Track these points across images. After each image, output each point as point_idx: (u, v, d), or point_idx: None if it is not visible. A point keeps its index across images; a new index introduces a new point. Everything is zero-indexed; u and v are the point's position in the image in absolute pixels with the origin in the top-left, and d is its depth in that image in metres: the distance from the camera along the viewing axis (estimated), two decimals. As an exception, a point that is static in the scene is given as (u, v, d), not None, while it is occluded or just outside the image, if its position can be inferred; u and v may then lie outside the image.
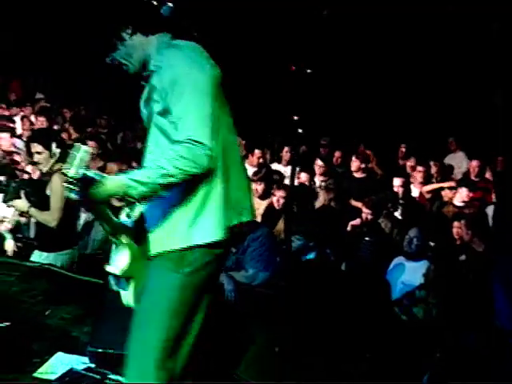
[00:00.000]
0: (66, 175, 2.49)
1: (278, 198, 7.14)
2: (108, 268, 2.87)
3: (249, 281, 5.82)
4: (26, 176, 7.25)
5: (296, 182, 8.00)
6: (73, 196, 2.53)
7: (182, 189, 2.65)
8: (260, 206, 7.40)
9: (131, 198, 2.58)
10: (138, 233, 2.85)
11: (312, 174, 8.60)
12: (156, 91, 2.70)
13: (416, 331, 5.37)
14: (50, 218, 5.50)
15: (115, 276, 2.88)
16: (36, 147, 5.46)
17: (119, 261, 2.84)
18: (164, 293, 2.75)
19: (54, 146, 5.50)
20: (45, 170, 5.52)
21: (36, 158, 5.49)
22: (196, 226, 2.72)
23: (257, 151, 9.12)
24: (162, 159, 2.55)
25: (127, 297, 2.91)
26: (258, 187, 7.55)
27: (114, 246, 2.93)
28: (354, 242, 6.63)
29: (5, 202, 6.76)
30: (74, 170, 2.47)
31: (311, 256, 6.09)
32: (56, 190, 5.40)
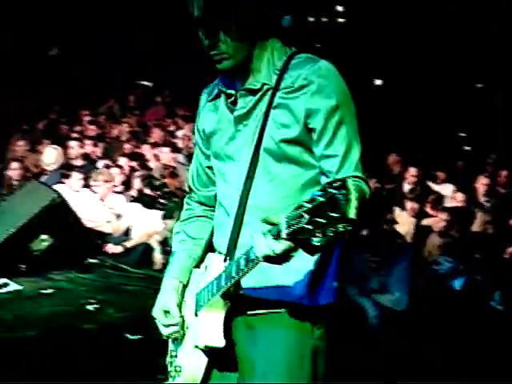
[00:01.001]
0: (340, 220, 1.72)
1: (438, 220, 6.72)
2: (207, 342, 2.26)
3: (393, 305, 5.50)
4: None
5: (452, 203, 7.57)
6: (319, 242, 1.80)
7: None
8: (411, 224, 7.03)
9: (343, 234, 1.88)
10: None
11: (470, 194, 8.04)
12: (290, 112, 2.19)
13: None
14: None
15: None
16: None
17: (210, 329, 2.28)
18: (296, 358, 2.28)
19: None
20: None
21: None
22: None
23: (412, 169, 8.71)
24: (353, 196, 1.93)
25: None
26: (414, 205, 7.19)
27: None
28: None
29: (164, 219, 7.00)
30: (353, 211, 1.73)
31: (459, 282, 5.63)
32: None
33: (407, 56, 11.42)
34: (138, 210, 7.40)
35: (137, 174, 8.01)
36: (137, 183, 7.80)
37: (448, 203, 7.71)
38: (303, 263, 2.20)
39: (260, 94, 2.23)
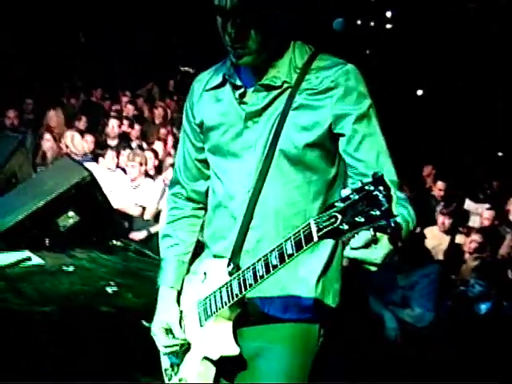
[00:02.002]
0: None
1: (471, 240, 6.54)
2: (222, 352, 2.17)
3: (414, 321, 5.38)
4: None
5: (484, 222, 7.40)
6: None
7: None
8: (443, 241, 6.90)
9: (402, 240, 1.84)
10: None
11: (502, 215, 7.85)
12: (314, 115, 2.08)
13: None
14: None
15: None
16: None
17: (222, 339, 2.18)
18: (297, 372, 2.23)
19: None
20: None
21: None
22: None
23: (440, 183, 8.53)
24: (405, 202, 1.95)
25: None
26: (446, 221, 7.01)
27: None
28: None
29: None
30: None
31: (486, 306, 5.50)
32: None
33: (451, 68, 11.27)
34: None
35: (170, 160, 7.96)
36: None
37: (478, 223, 7.60)
38: (309, 270, 2.16)
39: (278, 91, 2.10)
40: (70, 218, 5.61)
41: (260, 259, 1.93)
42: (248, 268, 1.98)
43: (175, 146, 8.67)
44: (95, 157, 7.73)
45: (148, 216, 7.24)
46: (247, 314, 2.16)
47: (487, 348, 4.89)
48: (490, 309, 5.42)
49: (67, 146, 7.80)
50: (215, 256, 2.27)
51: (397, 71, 11.69)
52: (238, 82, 2.14)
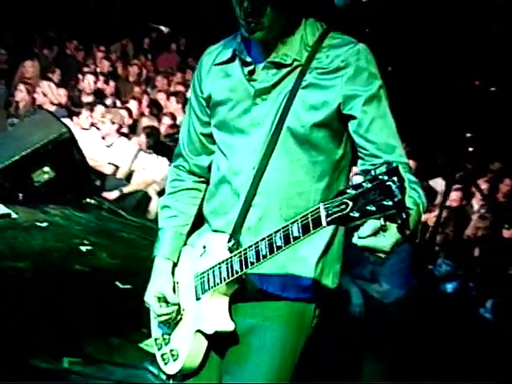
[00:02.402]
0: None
1: (434, 215, 6.68)
2: (217, 327, 2.18)
3: (381, 296, 5.49)
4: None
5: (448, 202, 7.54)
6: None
7: None
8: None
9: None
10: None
11: (468, 196, 8.02)
12: (323, 95, 2.08)
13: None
14: None
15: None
16: None
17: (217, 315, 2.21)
18: (291, 350, 2.25)
19: None
20: None
21: None
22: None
23: (411, 161, 8.66)
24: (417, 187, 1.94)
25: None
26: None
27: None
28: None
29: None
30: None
31: (452, 285, 5.66)
32: None
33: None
34: (142, 155, 7.34)
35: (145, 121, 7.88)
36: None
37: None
38: (310, 250, 2.15)
39: (288, 69, 2.10)
40: (46, 173, 5.54)
41: (264, 239, 1.93)
42: (251, 246, 1.99)
43: (149, 106, 8.61)
44: (69, 113, 7.61)
45: (120, 175, 7.22)
46: (244, 291, 2.17)
47: (451, 327, 5.05)
48: (455, 288, 5.59)
49: (45, 95, 7.67)
50: (215, 231, 2.26)
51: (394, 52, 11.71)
52: (248, 59, 2.13)
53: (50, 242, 5.12)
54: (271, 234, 1.91)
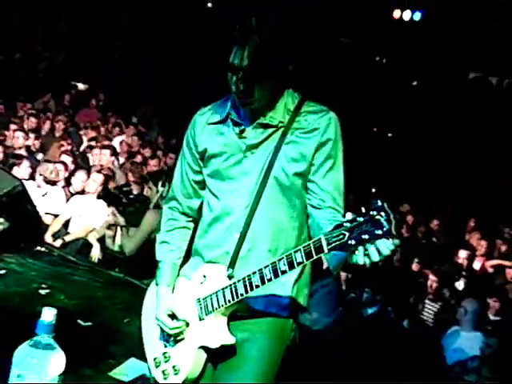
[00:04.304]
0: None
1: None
2: (221, 341, 2.63)
3: (310, 324, 6.07)
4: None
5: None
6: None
7: None
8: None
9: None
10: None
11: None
12: (302, 150, 2.60)
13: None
14: (130, 244, 6.02)
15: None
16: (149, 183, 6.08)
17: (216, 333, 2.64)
18: (275, 358, 2.73)
19: (160, 184, 6.09)
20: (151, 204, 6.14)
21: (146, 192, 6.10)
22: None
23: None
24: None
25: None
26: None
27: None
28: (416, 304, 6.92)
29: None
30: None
31: (372, 310, 6.36)
32: (147, 223, 5.94)
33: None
34: (75, 199, 7.68)
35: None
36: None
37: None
38: (288, 275, 2.50)
39: (273, 129, 2.62)
40: (0, 224, 5.88)
41: (268, 266, 2.37)
42: (254, 273, 2.42)
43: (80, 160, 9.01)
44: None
45: (59, 224, 7.49)
46: (235, 310, 2.61)
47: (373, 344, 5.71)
48: (375, 312, 6.31)
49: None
50: (209, 262, 2.70)
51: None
52: (238, 120, 2.67)
53: (12, 288, 5.39)
54: (275, 262, 2.36)
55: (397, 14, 12.42)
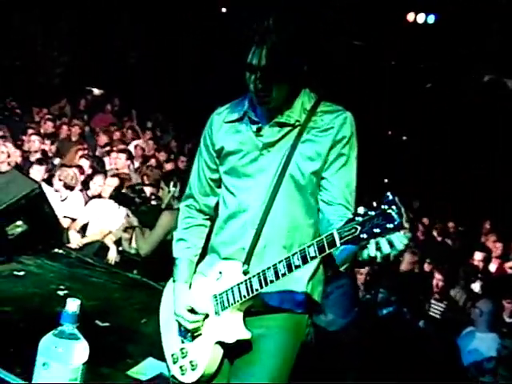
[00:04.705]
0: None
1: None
2: (238, 336, 2.67)
3: (325, 325, 6.08)
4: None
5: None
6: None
7: None
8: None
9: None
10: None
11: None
12: (317, 149, 2.63)
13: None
14: (145, 245, 6.08)
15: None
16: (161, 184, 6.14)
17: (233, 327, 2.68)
18: (291, 354, 2.77)
19: (171, 184, 6.15)
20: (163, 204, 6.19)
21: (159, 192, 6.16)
22: None
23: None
24: None
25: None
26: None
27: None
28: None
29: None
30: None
31: (387, 310, 6.37)
32: (162, 224, 5.99)
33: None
34: (93, 203, 7.77)
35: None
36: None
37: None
38: (303, 272, 2.62)
39: (290, 128, 2.66)
40: (19, 226, 5.96)
41: (282, 261, 2.39)
42: (269, 268, 2.44)
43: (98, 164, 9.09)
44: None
45: (77, 227, 7.61)
46: (251, 306, 2.65)
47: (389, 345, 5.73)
48: (390, 312, 6.32)
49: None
50: (225, 258, 2.73)
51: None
52: (255, 118, 2.71)
53: (30, 289, 5.47)
54: (289, 257, 2.37)
55: (410, 17, 12.45)
